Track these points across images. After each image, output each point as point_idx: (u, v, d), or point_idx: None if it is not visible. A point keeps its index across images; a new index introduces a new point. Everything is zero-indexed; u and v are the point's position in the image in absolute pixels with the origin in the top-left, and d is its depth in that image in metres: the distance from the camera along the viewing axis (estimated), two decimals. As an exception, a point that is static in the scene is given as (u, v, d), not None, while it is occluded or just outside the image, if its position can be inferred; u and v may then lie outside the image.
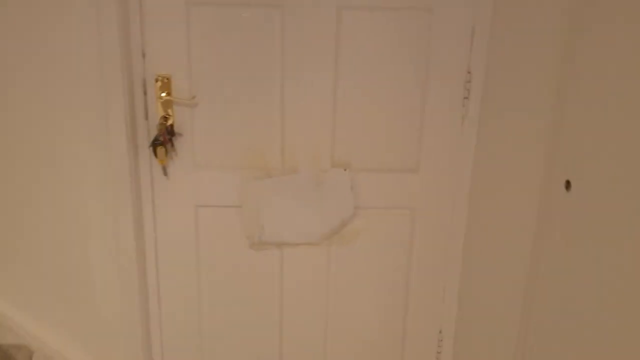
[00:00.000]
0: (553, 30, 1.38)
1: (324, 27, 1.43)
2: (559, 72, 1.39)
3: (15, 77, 1.50)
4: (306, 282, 1.67)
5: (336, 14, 1.42)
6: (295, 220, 1.59)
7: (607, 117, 1.16)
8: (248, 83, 1.48)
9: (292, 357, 1.75)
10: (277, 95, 1.49)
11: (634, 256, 1.04)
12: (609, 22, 1.16)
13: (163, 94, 1.46)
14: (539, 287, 1.47)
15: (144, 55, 1.44)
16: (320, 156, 1.54)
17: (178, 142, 1.51)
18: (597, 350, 1.16)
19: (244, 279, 1.66)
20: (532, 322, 1.49)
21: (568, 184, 1.33)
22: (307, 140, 1.53)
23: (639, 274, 1.03)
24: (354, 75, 1.48)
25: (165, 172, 1.53)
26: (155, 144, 1.47)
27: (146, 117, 1.49)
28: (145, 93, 1.47)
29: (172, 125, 1.49)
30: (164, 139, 1.46)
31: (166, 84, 1.46)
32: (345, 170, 1.54)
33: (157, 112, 1.48)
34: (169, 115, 1.48)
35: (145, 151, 1.51)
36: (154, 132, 1.48)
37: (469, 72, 1.47)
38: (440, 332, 1.72)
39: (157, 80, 1.45)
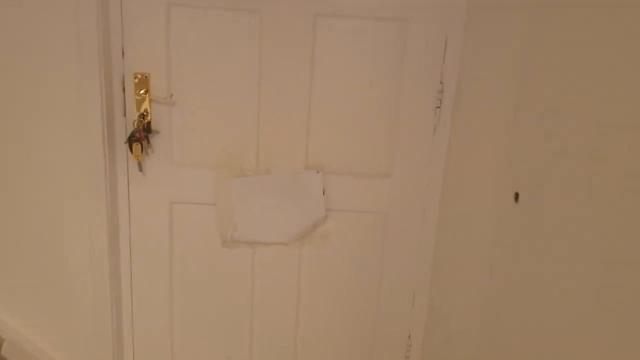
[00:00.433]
0: (516, 48, 1.42)
1: (300, 32, 1.47)
2: (517, 89, 1.43)
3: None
4: (277, 282, 1.69)
5: (313, 20, 1.46)
6: (268, 219, 1.61)
7: (557, 133, 1.20)
8: (225, 84, 1.51)
9: (262, 357, 1.77)
10: (254, 97, 1.52)
11: (572, 271, 1.08)
12: (564, 47, 1.20)
13: (141, 92, 1.49)
14: (495, 294, 1.50)
15: (123, 53, 1.47)
16: (294, 159, 1.57)
17: (155, 139, 1.54)
18: (543, 350, 1.19)
19: (216, 276, 1.68)
20: (491, 328, 1.51)
21: (517, 196, 1.36)
22: (282, 143, 1.56)
23: (576, 287, 1.07)
24: (329, 81, 1.51)
25: (140, 168, 1.56)
26: (131, 140, 1.49)
27: (124, 114, 1.52)
28: (124, 90, 1.50)
29: (149, 123, 1.52)
30: (140, 136, 1.49)
31: (145, 82, 1.49)
32: (317, 172, 1.57)
33: (135, 109, 1.51)
34: (146, 112, 1.51)
35: (123, 147, 1.54)
36: (132, 129, 1.51)
37: (441, 83, 1.50)
38: (409, 336, 1.74)
39: (135, 78, 1.48)
